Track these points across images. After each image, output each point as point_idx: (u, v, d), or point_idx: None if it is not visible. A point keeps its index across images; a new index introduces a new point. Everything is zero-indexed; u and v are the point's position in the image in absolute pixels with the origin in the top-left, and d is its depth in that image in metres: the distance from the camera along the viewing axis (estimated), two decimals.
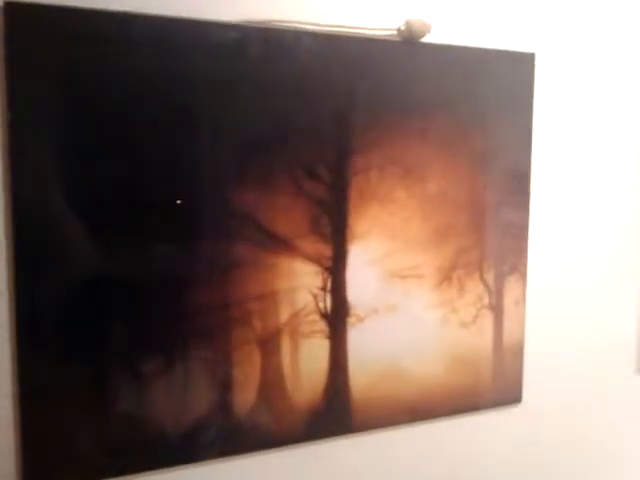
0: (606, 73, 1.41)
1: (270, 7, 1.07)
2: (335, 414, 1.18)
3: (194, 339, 1.06)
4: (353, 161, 1.15)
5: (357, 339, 1.18)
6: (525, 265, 1.34)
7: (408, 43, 1.18)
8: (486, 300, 1.30)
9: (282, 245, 1.10)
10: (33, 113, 0.93)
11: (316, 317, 1.14)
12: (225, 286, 1.07)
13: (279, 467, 1.17)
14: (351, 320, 1.18)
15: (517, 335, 1.35)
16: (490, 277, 1.30)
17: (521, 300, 1.35)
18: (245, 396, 1.10)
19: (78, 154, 0.96)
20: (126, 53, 0.97)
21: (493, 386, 1.33)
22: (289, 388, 1.14)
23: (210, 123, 1.04)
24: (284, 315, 1.12)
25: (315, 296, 1.14)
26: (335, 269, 1.15)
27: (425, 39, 1.18)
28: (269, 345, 1.11)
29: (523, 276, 1.34)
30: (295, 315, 1.13)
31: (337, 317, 1.16)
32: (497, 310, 1.32)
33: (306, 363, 1.14)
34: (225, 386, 1.08)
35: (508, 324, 1.33)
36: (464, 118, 1.24)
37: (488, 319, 1.31)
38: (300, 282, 1.12)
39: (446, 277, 1.25)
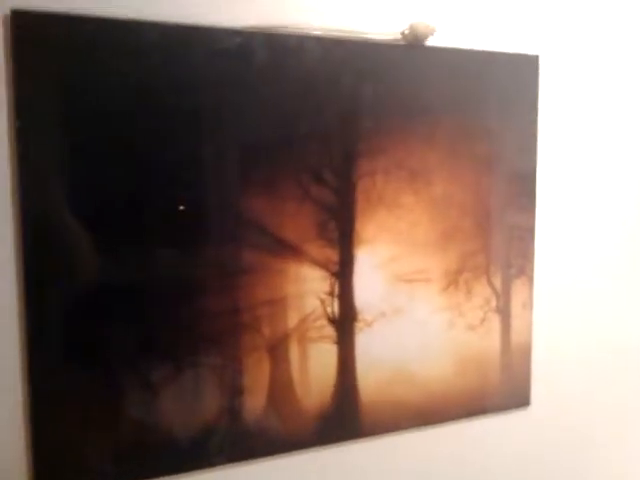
0: (610, 75, 1.41)
1: (275, 12, 1.07)
2: (344, 419, 1.18)
3: (203, 345, 1.06)
4: (359, 165, 1.15)
5: (365, 344, 1.18)
6: (532, 268, 1.34)
7: (412, 47, 1.18)
8: (493, 303, 1.30)
9: (289, 250, 1.10)
10: (41, 121, 0.93)
11: (324, 322, 1.14)
12: (233, 292, 1.07)
13: (288, 472, 1.16)
14: (359, 325, 1.18)
15: (525, 338, 1.35)
16: (497, 280, 1.30)
17: (528, 303, 1.34)
18: (254, 401, 1.10)
19: (85, 163, 0.96)
20: (133, 60, 0.98)
21: (501, 389, 1.33)
22: (298, 393, 1.13)
23: (216, 128, 1.04)
24: (292, 320, 1.12)
25: (323, 301, 1.14)
26: (342, 274, 1.15)
27: (429, 42, 1.18)
28: (278, 350, 1.11)
29: (530, 279, 1.34)
30: (303, 320, 1.13)
31: (345, 322, 1.16)
32: (504, 313, 1.32)
33: (314, 368, 1.14)
34: (234, 391, 1.08)
35: (515, 327, 1.33)
36: (469, 121, 1.24)
37: (495, 322, 1.31)
38: (308, 287, 1.12)
39: (453, 281, 1.25)
